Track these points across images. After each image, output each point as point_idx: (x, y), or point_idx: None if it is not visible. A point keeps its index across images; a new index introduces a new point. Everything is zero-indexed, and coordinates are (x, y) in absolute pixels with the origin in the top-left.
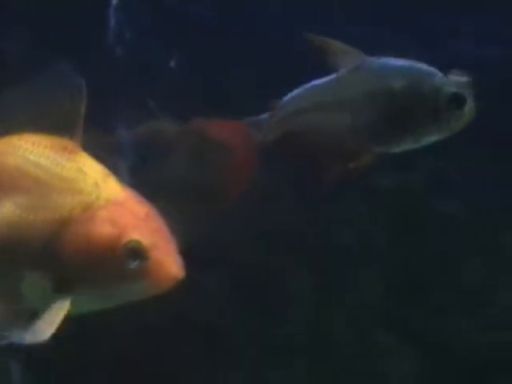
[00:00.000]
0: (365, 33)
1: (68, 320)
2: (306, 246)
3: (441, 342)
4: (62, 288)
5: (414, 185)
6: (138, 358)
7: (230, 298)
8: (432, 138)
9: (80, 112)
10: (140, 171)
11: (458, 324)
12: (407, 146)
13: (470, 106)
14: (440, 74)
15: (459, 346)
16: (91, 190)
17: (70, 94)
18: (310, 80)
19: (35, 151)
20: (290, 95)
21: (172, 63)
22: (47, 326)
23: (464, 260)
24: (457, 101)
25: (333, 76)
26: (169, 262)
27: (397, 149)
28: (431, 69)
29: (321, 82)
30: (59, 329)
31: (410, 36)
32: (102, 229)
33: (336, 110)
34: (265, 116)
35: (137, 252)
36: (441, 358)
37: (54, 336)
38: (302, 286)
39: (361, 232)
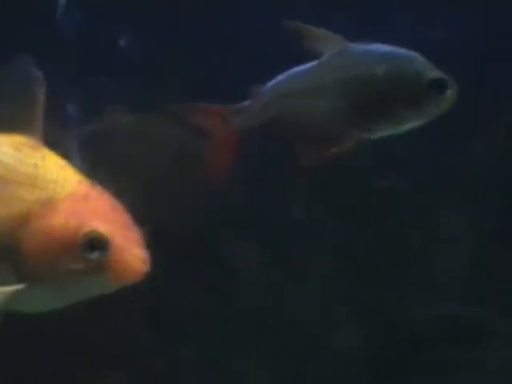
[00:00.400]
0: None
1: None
2: (256, 222)
3: (389, 316)
4: (25, 281)
5: (360, 161)
6: (84, 336)
7: (178, 273)
8: (413, 124)
9: (39, 107)
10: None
11: (405, 298)
12: (388, 131)
13: (451, 91)
14: (421, 59)
15: (406, 320)
16: (51, 184)
17: (29, 89)
18: (291, 66)
19: None
20: (272, 81)
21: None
22: None
23: (409, 234)
24: (438, 86)
25: (315, 62)
26: (131, 253)
27: (378, 134)
28: (413, 54)
29: (303, 67)
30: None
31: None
32: (62, 220)
33: (318, 95)
34: (247, 102)
35: (97, 242)
36: (388, 331)
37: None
38: (251, 260)
39: (308, 208)
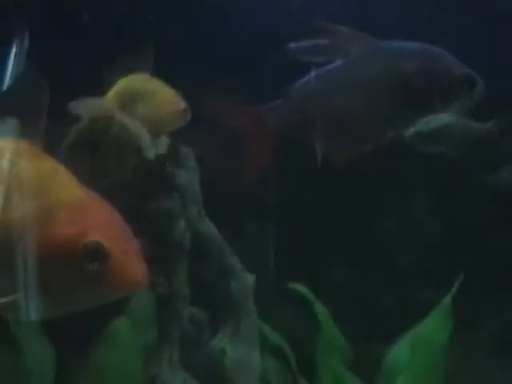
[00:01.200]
0: None
1: None
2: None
3: (366, 300)
4: (21, 291)
5: None
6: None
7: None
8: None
9: (42, 114)
10: None
11: (372, 282)
12: (418, 128)
13: (480, 87)
14: (450, 56)
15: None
16: (52, 192)
17: (33, 98)
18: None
19: None
20: (303, 80)
21: None
22: None
23: (383, 219)
24: (468, 82)
25: (345, 60)
26: (130, 264)
27: (408, 131)
28: (442, 51)
29: (333, 66)
30: None
31: None
32: (62, 230)
33: (348, 93)
34: (279, 101)
35: (97, 253)
36: (365, 315)
37: None
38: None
39: (279, 189)
